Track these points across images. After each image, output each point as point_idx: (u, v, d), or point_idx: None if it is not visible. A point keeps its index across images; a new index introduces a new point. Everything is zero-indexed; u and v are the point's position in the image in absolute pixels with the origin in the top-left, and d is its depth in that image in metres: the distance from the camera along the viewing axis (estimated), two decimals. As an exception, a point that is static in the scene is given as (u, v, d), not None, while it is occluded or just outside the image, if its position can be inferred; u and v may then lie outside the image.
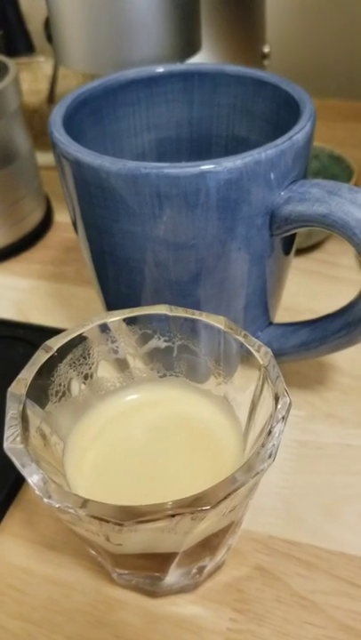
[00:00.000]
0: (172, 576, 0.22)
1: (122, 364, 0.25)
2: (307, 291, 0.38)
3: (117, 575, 0.23)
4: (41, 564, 0.25)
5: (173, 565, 0.21)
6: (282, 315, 0.34)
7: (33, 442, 0.21)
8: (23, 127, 0.41)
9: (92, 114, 0.29)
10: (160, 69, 0.30)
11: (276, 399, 0.21)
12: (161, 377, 0.25)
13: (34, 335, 0.35)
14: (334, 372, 0.32)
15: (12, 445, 0.19)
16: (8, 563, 0.26)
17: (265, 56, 0.47)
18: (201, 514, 0.18)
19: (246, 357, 0.23)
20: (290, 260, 0.29)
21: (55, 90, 0.47)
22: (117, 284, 0.27)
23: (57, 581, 0.25)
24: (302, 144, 0.24)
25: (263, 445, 0.19)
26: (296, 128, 0.24)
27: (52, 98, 0.47)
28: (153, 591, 0.24)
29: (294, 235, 0.28)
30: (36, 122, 0.50)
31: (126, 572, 0.23)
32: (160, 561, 0.21)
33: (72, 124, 0.27)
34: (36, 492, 0.18)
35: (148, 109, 0.31)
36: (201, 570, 0.23)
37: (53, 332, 0.35)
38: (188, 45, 0.35)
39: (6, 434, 0.20)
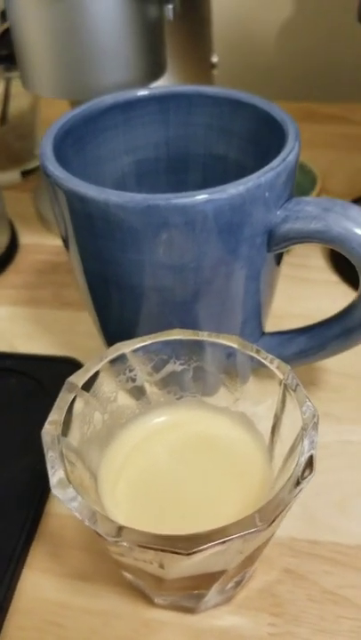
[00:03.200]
0: (214, 591, 0.23)
1: (140, 391, 0.26)
2: (282, 295, 0.39)
3: (159, 597, 0.24)
4: (75, 595, 0.26)
5: (218, 582, 0.22)
6: (266, 322, 0.35)
7: (74, 481, 0.21)
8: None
9: (76, 143, 0.29)
10: (137, 93, 0.30)
11: (302, 409, 0.22)
12: (178, 399, 0.26)
13: (24, 365, 0.35)
14: (323, 372, 0.34)
15: (62, 490, 0.20)
16: (42, 599, 0.26)
17: (213, 66, 0.48)
18: (257, 534, 0.19)
19: (260, 371, 0.24)
20: (280, 270, 0.30)
21: (7, 110, 0.46)
22: (121, 310, 0.28)
23: (94, 611, 0.25)
24: (293, 164, 0.26)
25: (303, 455, 0.20)
26: (286, 150, 0.25)
27: (4, 118, 0.46)
28: (192, 608, 0.24)
29: (285, 248, 0.29)
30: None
31: (170, 594, 0.23)
32: (207, 580, 0.22)
33: (59, 156, 0.27)
34: (100, 532, 0.19)
35: (125, 133, 0.31)
36: (239, 582, 0.24)
37: (43, 359, 0.35)
38: (155, 67, 0.35)
39: (52, 479, 0.20)
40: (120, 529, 0.19)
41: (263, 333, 0.31)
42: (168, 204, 0.23)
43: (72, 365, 0.34)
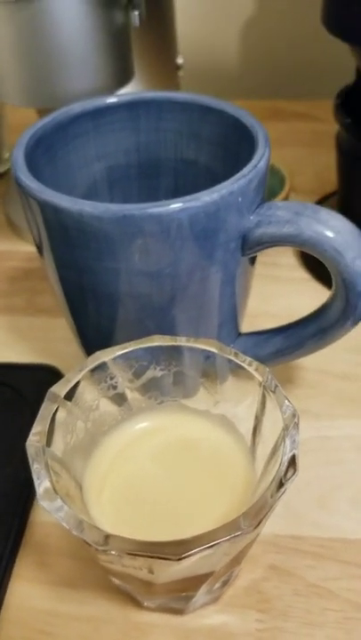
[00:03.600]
0: (202, 592, 0.24)
1: (121, 398, 0.26)
2: (256, 294, 0.39)
3: (148, 601, 0.24)
4: (63, 603, 0.26)
5: (206, 583, 0.23)
6: (241, 322, 0.35)
7: (60, 491, 0.21)
8: None
9: (47, 151, 0.29)
10: (106, 100, 0.31)
11: (282, 409, 0.22)
12: (159, 404, 0.26)
13: (1, 373, 0.35)
14: (299, 369, 0.35)
15: (48, 500, 0.20)
16: (30, 608, 0.26)
17: (179, 67, 0.48)
18: (243, 536, 0.19)
19: (239, 372, 0.25)
20: (254, 271, 0.31)
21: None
22: (98, 318, 0.28)
23: (84, 617, 0.25)
24: (264, 170, 0.26)
25: (285, 455, 0.21)
26: (257, 156, 0.26)
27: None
28: (181, 609, 0.25)
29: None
30: None
31: (160, 597, 0.24)
32: (195, 582, 0.22)
33: (31, 165, 0.27)
34: (88, 540, 0.19)
35: (96, 140, 0.31)
36: (226, 581, 0.24)
37: (20, 367, 0.35)
38: (123, 73, 0.35)
39: (38, 490, 0.20)
40: (107, 537, 0.19)
41: (239, 334, 0.32)
42: (143, 213, 0.23)
43: (50, 373, 0.34)
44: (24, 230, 0.44)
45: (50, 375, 0.34)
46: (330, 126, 0.56)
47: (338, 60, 0.59)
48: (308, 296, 0.39)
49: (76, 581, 0.26)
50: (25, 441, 0.31)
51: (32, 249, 0.45)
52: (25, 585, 0.26)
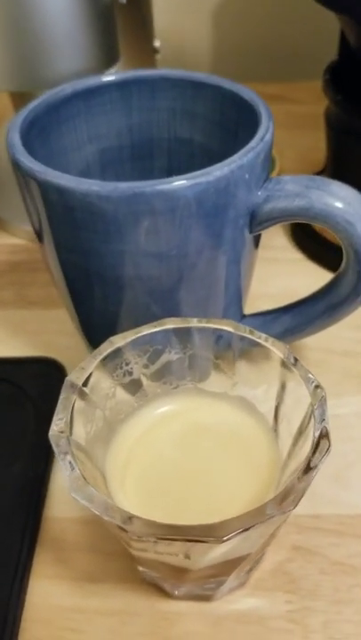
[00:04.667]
0: (232, 577, 0.23)
1: (136, 384, 0.25)
2: (253, 276, 0.39)
3: (178, 589, 0.24)
4: (87, 598, 0.25)
5: (239, 567, 0.22)
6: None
7: (90, 481, 0.20)
8: None
9: (40, 133, 0.28)
10: (97, 80, 0.30)
11: (308, 383, 0.22)
12: (174, 389, 0.26)
13: (0, 370, 0.33)
14: (303, 348, 0.34)
15: (81, 492, 0.19)
16: (54, 606, 0.25)
17: (156, 51, 0.47)
18: (284, 514, 0.19)
19: (255, 352, 0.24)
20: (258, 252, 0.30)
21: None
22: (105, 303, 0.27)
23: (109, 611, 0.25)
24: (270, 144, 0.25)
25: (316, 432, 0.20)
26: (262, 129, 0.25)
27: None
28: (209, 595, 0.24)
29: (263, 228, 0.29)
30: None
31: (192, 583, 0.23)
32: (229, 566, 0.22)
33: (26, 147, 0.26)
34: (125, 527, 0.18)
35: (87, 121, 0.30)
36: (255, 565, 0.24)
37: (19, 362, 0.34)
38: (110, 53, 0.34)
39: (69, 480, 0.19)
40: (148, 524, 0.18)
41: (244, 316, 0.31)
42: (153, 190, 0.23)
43: (50, 365, 0.33)
44: (8, 222, 0.43)
45: (50, 368, 0.33)
46: (307, 107, 0.56)
47: (312, 41, 0.59)
48: (304, 275, 0.39)
49: (97, 575, 0.26)
50: (30, 437, 0.30)
51: (17, 241, 0.44)
52: (45, 582, 0.25)
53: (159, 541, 0.18)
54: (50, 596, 0.25)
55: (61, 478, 0.29)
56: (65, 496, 0.28)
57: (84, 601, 0.25)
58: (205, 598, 0.25)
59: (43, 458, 0.29)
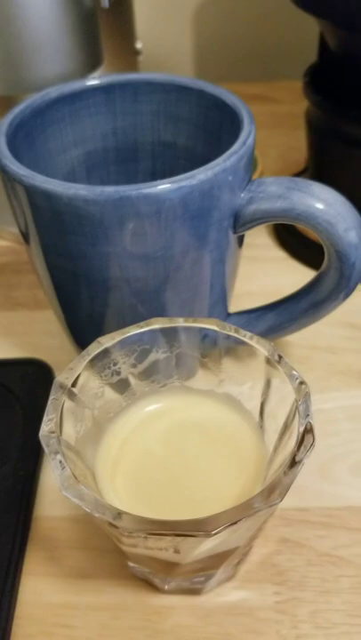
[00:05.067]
0: (221, 570, 0.24)
1: (125, 383, 0.25)
2: (238, 275, 0.40)
3: (168, 583, 0.24)
4: (79, 595, 0.26)
5: (228, 560, 0.23)
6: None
7: (80, 479, 0.21)
8: None
9: (26, 138, 0.28)
10: (82, 84, 0.30)
11: (292, 380, 0.22)
12: (162, 387, 0.26)
13: (-12, 371, 0.34)
14: (287, 345, 0.35)
15: (72, 491, 0.19)
16: (46, 603, 0.25)
17: (138, 52, 0.48)
18: (272, 507, 0.19)
19: (240, 349, 0.25)
20: (242, 251, 0.31)
21: None
22: (91, 305, 0.27)
23: (101, 607, 0.25)
24: (252, 147, 0.26)
25: (300, 428, 0.21)
26: (245, 132, 0.26)
27: None
28: (199, 589, 0.25)
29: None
30: None
31: (182, 577, 0.24)
32: (218, 559, 0.22)
33: (12, 152, 0.26)
34: (115, 524, 0.19)
35: (72, 125, 0.31)
36: (244, 557, 0.25)
37: (5, 363, 0.34)
38: (93, 57, 0.35)
39: (60, 479, 0.20)
40: (139, 520, 0.19)
41: (229, 314, 0.32)
42: (139, 194, 0.23)
43: (38, 367, 0.34)
44: (-7, 224, 0.43)
45: (38, 369, 0.33)
46: (288, 107, 0.57)
47: (293, 41, 0.60)
48: (287, 274, 0.40)
49: (88, 572, 0.26)
50: (19, 438, 0.30)
51: (4, 243, 0.44)
52: (37, 580, 0.26)
53: (149, 537, 0.19)
54: (41, 593, 0.26)
55: (51, 477, 0.29)
56: (55, 495, 0.29)
57: (75, 597, 0.25)
58: (195, 592, 0.25)
59: (32, 458, 0.29)
